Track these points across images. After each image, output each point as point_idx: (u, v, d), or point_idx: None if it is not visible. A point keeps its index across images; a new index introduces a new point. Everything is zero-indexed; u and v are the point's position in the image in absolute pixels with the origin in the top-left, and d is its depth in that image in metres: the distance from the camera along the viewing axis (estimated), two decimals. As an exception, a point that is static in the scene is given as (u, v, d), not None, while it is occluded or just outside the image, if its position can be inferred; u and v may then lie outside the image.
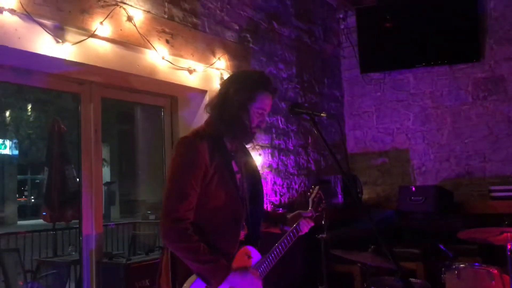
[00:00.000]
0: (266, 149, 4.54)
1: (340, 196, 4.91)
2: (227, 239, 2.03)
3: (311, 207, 2.42)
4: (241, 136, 2.12)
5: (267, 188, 4.47)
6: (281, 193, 4.66)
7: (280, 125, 4.79)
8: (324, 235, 3.50)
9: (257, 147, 4.40)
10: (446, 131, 5.42)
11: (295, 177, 4.91)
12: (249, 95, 2.04)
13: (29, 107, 13.71)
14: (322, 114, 1.93)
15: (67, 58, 2.85)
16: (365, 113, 5.90)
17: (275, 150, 4.67)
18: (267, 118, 2.17)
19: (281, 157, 4.75)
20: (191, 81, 3.76)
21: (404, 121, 5.67)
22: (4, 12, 2.54)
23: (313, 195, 2.46)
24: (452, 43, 5.27)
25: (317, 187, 2.47)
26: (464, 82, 5.35)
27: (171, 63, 3.53)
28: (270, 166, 4.56)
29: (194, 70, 3.77)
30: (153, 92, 3.86)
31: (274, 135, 4.67)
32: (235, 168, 2.12)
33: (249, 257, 2.10)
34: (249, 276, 2.00)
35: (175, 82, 3.63)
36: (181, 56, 3.67)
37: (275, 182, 4.60)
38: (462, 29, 5.23)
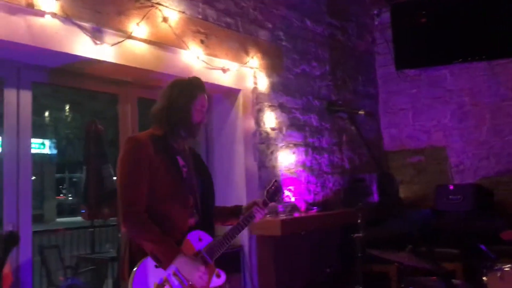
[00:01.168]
0: (300, 147, 4.52)
1: (375, 195, 4.85)
2: (176, 224, 2.23)
3: (265, 197, 2.59)
4: (188, 133, 2.36)
5: (301, 186, 4.46)
6: (315, 192, 4.63)
7: (314, 123, 4.76)
8: (359, 234, 3.47)
9: (290, 145, 4.38)
10: (485, 128, 5.27)
11: (329, 175, 4.87)
12: (190, 96, 2.34)
13: (67, 107, 14.08)
14: (360, 112, 1.91)
15: (105, 60, 2.92)
16: (400, 110, 5.80)
17: (309, 148, 4.65)
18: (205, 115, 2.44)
19: (315, 155, 4.72)
20: (225, 80, 3.79)
21: (441, 118, 5.54)
22: (45, 15, 2.62)
23: (268, 187, 2.63)
24: (491, 38, 5.12)
25: (274, 179, 2.69)
26: (504, 78, 5.18)
27: (205, 62, 3.56)
28: (303, 164, 4.54)
29: (228, 69, 3.79)
30: (188, 92, 3.89)
31: (307, 133, 4.65)
32: (181, 162, 2.34)
33: (200, 239, 2.29)
34: (196, 262, 2.19)
35: (210, 82, 3.65)
36: (215, 56, 3.69)
37: (309, 181, 4.58)
38: (501, 23, 5.07)
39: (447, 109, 5.52)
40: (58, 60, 2.84)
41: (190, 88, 2.37)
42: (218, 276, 2.30)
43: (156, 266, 2.11)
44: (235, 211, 2.60)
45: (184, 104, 2.32)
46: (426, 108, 5.65)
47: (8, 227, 2.74)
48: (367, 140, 4.56)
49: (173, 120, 2.31)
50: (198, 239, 2.27)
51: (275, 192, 2.61)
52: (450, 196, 4.90)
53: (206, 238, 2.30)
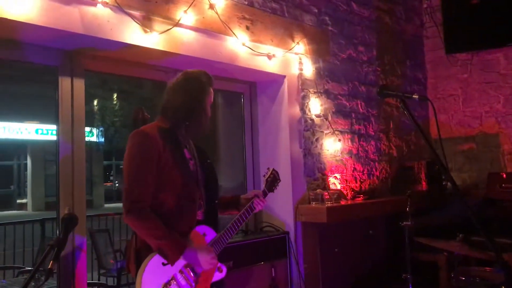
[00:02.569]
0: (346, 134, 4.46)
1: (424, 183, 4.73)
2: (185, 218, 2.23)
3: (265, 186, 2.60)
4: (203, 127, 2.36)
5: (347, 174, 4.40)
6: (361, 180, 4.57)
7: (360, 109, 4.67)
8: (408, 223, 3.41)
9: (336, 132, 4.33)
10: (542, 114, 5.03)
11: (376, 163, 4.78)
12: (206, 91, 2.37)
13: (114, 96, 14.46)
14: (414, 96, 1.85)
15: (154, 47, 2.96)
16: (450, 96, 5.61)
17: (355, 135, 4.58)
18: None
19: (361, 142, 4.64)
20: (270, 66, 3.77)
21: (494, 104, 5.32)
22: (98, 5, 2.68)
23: (267, 176, 2.63)
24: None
25: (272, 168, 2.66)
26: None
27: (251, 49, 3.56)
28: (350, 152, 4.48)
29: (273, 55, 3.78)
30: (234, 79, 3.91)
31: (353, 120, 4.57)
32: (187, 155, 2.34)
33: (204, 234, 2.31)
34: (204, 252, 2.20)
35: (255, 68, 3.66)
36: (260, 42, 3.68)
37: (354, 168, 4.51)
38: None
39: (500, 94, 5.29)
40: (109, 48, 2.91)
41: (204, 82, 2.37)
42: (220, 270, 2.35)
43: (163, 264, 2.11)
44: (234, 201, 2.63)
45: (203, 99, 2.34)
46: (477, 93, 5.44)
47: (64, 211, 2.86)
48: (412, 127, 4.43)
49: (192, 114, 2.29)
50: (202, 235, 2.29)
51: (273, 181, 2.63)
52: (503, 184, 4.72)
53: (211, 233, 2.32)
